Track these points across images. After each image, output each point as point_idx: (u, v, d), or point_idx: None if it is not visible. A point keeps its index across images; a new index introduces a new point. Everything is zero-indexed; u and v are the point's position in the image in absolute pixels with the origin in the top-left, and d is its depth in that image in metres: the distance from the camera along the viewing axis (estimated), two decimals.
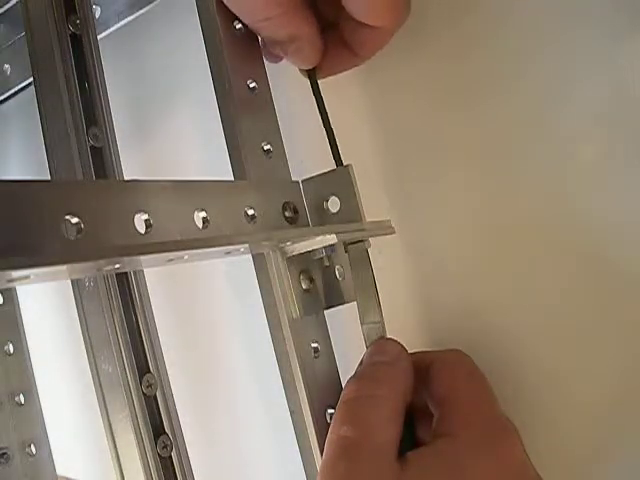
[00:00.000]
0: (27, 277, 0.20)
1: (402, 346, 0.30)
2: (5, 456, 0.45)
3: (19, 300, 0.48)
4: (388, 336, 0.31)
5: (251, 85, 0.34)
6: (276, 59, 0.34)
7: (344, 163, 0.33)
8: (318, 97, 0.33)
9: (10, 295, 0.47)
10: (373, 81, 0.34)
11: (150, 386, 0.37)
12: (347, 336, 0.34)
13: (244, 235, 0.28)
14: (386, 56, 0.32)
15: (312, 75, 0.33)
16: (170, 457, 0.37)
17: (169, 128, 0.47)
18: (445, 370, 0.29)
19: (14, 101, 0.56)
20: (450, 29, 0.33)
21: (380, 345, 0.30)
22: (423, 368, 0.30)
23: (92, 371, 0.37)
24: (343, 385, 0.32)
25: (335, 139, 0.33)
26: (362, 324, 0.31)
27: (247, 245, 0.27)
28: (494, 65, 0.32)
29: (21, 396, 0.46)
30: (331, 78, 0.34)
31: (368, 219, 0.33)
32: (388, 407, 0.27)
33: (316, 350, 0.32)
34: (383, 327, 0.31)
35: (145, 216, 0.24)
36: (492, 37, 0.32)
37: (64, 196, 0.22)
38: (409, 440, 0.27)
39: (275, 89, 0.35)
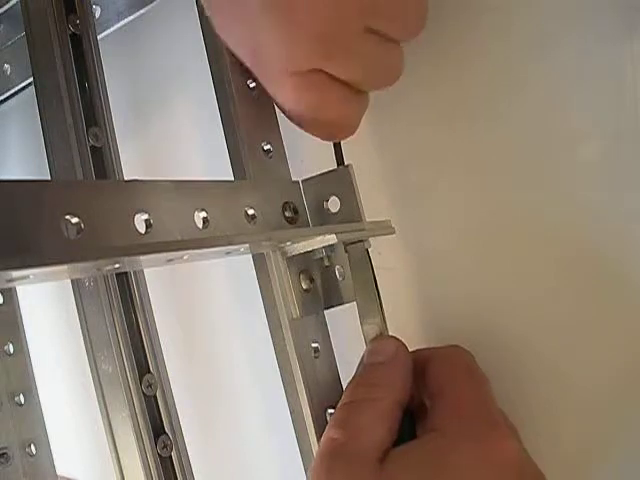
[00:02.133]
0: (27, 277, 0.20)
1: (400, 342, 0.30)
2: (5, 456, 0.45)
3: (19, 300, 0.48)
4: (387, 329, 0.31)
5: (251, 85, 0.34)
6: None
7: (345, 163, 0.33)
8: None
9: (10, 295, 0.47)
10: None
11: (150, 386, 0.37)
12: (347, 336, 0.34)
13: (244, 235, 0.28)
14: None
15: None
16: (170, 457, 0.37)
17: (169, 128, 0.47)
18: (438, 365, 0.29)
19: (14, 101, 0.56)
20: (451, 35, 0.33)
21: (377, 344, 0.30)
22: (421, 364, 0.30)
23: (92, 371, 0.37)
24: (343, 385, 0.32)
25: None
26: (362, 324, 0.31)
27: (247, 245, 0.27)
28: (494, 67, 0.32)
29: (21, 396, 0.46)
30: None
31: (368, 219, 0.33)
32: (380, 409, 0.27)
33: (316, 350, 0.32)
34: (384, 327, 0.31)
35: (145, 216, 0.24)
36: (492, 40, 0.32)
37: (64, 196, 0.22)
38: (409, 438, 0.27)
39: None
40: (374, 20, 0.27)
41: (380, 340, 0.30)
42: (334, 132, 0.32)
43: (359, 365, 0.31)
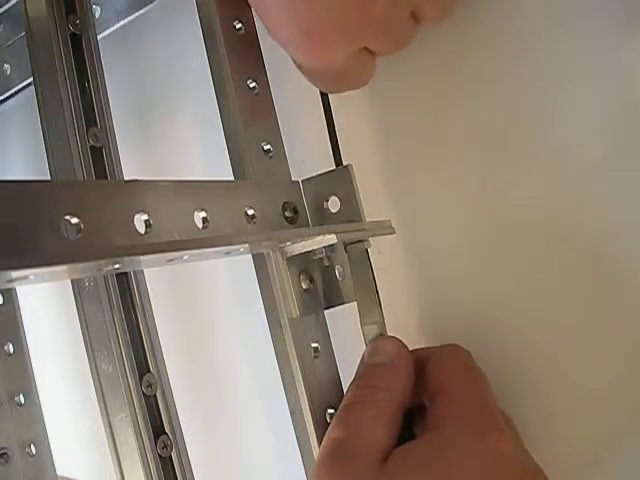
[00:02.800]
0: (27, 277, 0.20)
1: (401, 343, 0.30)
2: (5, 456, 0.45)
3: (19, 300, 0.48)
4: (386, 330, 0.31)
5: (251, 85, 0.34)
6: None
7: (344, 163, 0.33)
8: (324, 96, 0.33)
9: (10, 295, 0.47)
10: (374, 82, 0.34)
11: (150, 386, 0.37)
12: (347, 336, 0.34)
13: (244, 235, 0.28)
14: (387, 58, 0.32)
15: None
16: (170, 457, 0.37)
17: (169, 128, 0.47)
18: (437, 364, 0.29)
19: (14, 101, 0.56)
20: (450, 35, 0.33)
21: (378, 345, 0.30)
22: (421, 363, 0.30)
23: (92, 371, 0.37)
24: (343, 385, 0.32)
25: (337, 139, 0.33)
26: (362, 325, 0.31)
27: (247, 245, 0.27)
28: (493, 66, 0.32)
29: (21, 396, 0.46)
30: None
31: (368, 219, 0.33)
32: (381, 409, 0.27)
33: (316, 350, 0.32)
34: (384, 327, 0.31)
35: (145, 216, 0.24)
36: (491, 37, 0.32)
37: (64, 196, 0.22)
38: (408, 437, 0.27)
39: (275, 89, 0.35)
40: (419, 4, 0.29)
41: (381, 340, 0.30)
42: (346, 88, 0.34)
43: (360, 365, 0.31)
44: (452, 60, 0.34)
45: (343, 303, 0.34)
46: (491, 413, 0.27)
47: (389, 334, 0.31)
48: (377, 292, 0.31)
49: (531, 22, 0.31)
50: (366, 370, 0.30)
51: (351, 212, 0.33)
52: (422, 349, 0.31)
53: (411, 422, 0.29)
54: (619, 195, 0.29)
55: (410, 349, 0.30)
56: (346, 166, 0.33)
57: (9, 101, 0.56)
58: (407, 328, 0.35)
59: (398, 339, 0.30)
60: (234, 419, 0.47)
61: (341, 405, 0.28)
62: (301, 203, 0.34)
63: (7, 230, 0.20)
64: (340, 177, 0.33)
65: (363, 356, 0.31)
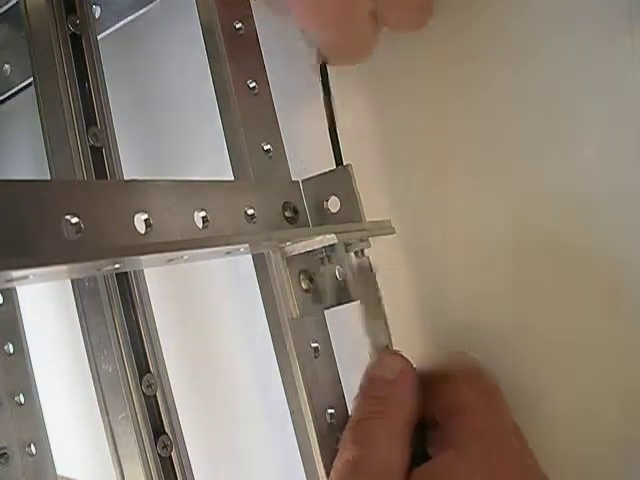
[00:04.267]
0: (27, 277, 0.20)
1: (406, 360, 0.30)
2: (5, 456, 0.45)
3: (19, 300, 0.48)
4: (391, 339, 0.31)
5: (251, 85, 0.34)
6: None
7: (344, 163, 0.33)
8: (327, 93, 0.33)
9: (10, 295, 0.47)
10: (374, 82, 0.34)
11: (150, 386, 0.37)
12: (347, 336, 0.34)
13: (244, 235, 0.28)
14: (387, 57, 0.32)
15: (323, 70, 0.33)
16: (170, 457, 0.37)
17: (169, 128, 0.47)
18: (462, 384, 0.29)
19: (14, 101, 0.56)
20: (451, 36, 0.33)
21: (382, 360, 0.30)
22: (435, 381, 0.29)
23: (92, 371, 0.37)
24: (343, 385, 0.32)
25: (338, 138, 0.33)
26: (363, 324, 0.31)
27: (247, 245, 0.27)
28: (494, 68, 0.32)
29: (21, 396, 0.46)
30: (332, 76, 0.33)
31: (368, 219, 0.33)
32: (393, 426, 0.27)
33: (316, 350, 0.32)
34: (386, 327, 0.31)
35: (145, 216, 0.24)
36: (492, 41, 0.32)
37: (64, 196, 0.22)
38: (421, 456, 0.27)
39: (275, 89, 0.35)
40: None
41: (385, 355, 0.30)
42: (350, 58, 0.33)
43: (362, 379, 0.30)
44: (453, 60, 0.34)
45: (343, 303, 0.34)
46: (507, 438, 0.27)
47: (389, 334, 0.31)
48: (379, 295, 0.31)
49: (533, 21, 0.31)
50: (370, 383, 0.29)
51: (351, 212, 0.33)
52: (434, 365, 0.31)
53: (422, 438, 0.29)
54: (619, 195, 0.29)
55: (410, 350, 0.30)
56: (346, 166, 0.33)
57: (9, 101, 0.56)
58: (407, 328, 0.36)
59: (402, 355, 0.30)
60: (234, 419, 0.47)
61: (351, 421, 0.28)
62: (301, 203, 0.34)
63: (7, 230, 0.20)
64: (340, 177, 0.33)
65: (367, 369, 0.30)
